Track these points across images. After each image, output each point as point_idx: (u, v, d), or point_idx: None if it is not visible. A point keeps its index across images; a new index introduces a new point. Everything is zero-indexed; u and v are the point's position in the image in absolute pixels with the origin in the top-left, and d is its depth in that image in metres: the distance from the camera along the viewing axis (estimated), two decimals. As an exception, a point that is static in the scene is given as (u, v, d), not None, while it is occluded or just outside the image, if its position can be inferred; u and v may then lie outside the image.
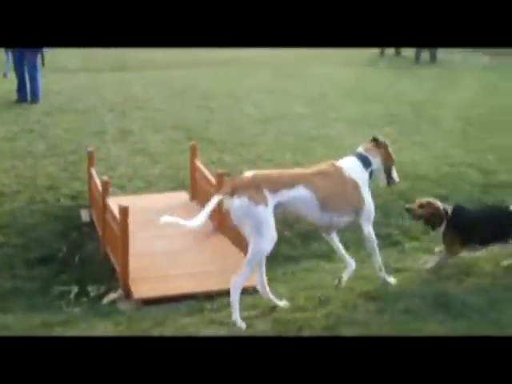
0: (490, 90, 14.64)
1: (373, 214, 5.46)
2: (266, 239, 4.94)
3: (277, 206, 5.01)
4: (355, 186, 5.26)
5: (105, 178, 7.10)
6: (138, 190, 8.45)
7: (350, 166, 5.31)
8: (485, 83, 15.60)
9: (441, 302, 5.06)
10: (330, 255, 6.94)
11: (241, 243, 6.57)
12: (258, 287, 5.33)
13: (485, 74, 16.95)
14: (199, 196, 7.85)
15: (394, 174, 5.55)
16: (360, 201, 5.29)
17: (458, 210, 5.69)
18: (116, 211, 6.21)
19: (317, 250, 7.09)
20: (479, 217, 5.76)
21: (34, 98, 12.61)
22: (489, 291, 5.18)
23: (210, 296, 5.73)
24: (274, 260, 6.88)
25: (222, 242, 6.93)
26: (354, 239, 7.13)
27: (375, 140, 5.47)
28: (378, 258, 5.53)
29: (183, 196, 8.17)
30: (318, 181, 5.14)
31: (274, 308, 5.24)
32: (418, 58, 18.92)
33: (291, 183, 5.07)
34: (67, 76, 16.07)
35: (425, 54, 18.87)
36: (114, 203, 6.50)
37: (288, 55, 18.71)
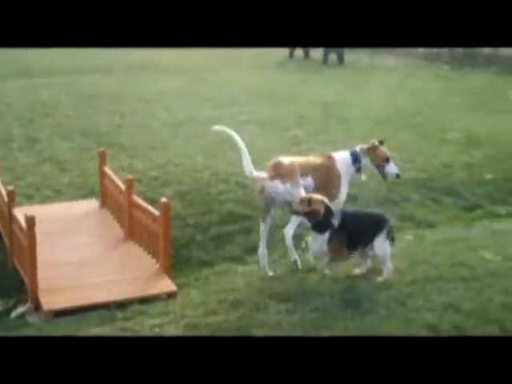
0: (395, 90, 15.06)
1: (341, 205, 6.18)
2: None
3: None
4: (339, 177, 6.22)
5: (11, 187, 6.92)
6: (46, 199, 8.28)
7: (342, 159, 6.28)
8: (390, 83, 16.03)
9: (349, 299, 5.18)
10: (242, 258, 7.03)
11: (152, 249, 6.56)
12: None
13: (390, 75, 17.41)
14: (110, 203, 7.77)
15: (388, 169, 6.34)
16: (337, 190, 6.18)
17: (344, 213, 5.56)
18: (23, 221, 6.07)
19: (229, 253, 7.13)
20: (361, 221, 5.61)
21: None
22: (394, 286, 5.33)
23: (121, 304, 5.68)
24: (187, 265, 6.96)
25: (134, 250, 6.88)
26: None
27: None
28: None
29: (93, 203, 8.08)
30: (318, 172, 6.10)
31: (185, 314, 5.24)
32: (326, 59, 19.25)
33: (306, 172, 5.99)
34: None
35: (332, 55, 19.22)
36: (22, 213, 6.35)
37: (198, 59, 18.72)
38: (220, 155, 9.60)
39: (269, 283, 5.80)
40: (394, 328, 4.61)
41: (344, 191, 6.27)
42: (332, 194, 6.07)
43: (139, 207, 6.79)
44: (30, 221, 5.85)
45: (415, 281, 5.42)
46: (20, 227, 6.22)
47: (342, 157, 6.32)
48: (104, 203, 7.91)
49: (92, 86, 15.28)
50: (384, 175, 6.44)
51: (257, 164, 9.03)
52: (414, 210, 7.95)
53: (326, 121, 11.97)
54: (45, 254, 6.21)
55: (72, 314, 5.66)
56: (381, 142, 6.44)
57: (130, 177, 7.20)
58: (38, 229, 5.96)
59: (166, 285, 6.09)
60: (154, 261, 6.48)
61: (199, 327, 4.95)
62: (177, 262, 6.85)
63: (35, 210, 6.80)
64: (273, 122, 11.77)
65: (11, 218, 6.62)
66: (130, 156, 9.75)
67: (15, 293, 6.56)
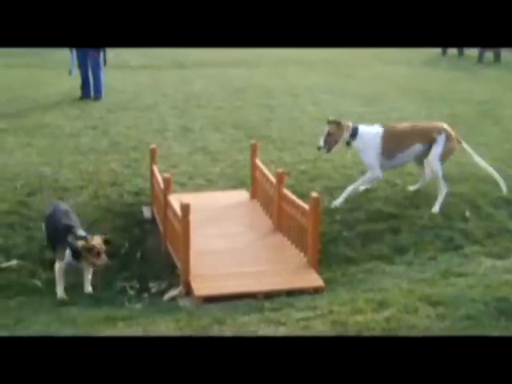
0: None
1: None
2: None
3: None
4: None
5: (167, 175, 7.18)
6: (198, 188, 8.52)
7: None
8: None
9: (503, 308, 4.98)
10: (390, 257, 6.92)
11: (300, 243, 6.60)
12: None
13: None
14: (259, 195, 7.89)
15: None
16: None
17: None
18: (178, 208, 6.28)
19: (376, 252, 7.03)
20: None
21: (97, 94, 12.89)
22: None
23: (269, 295, 5.77)
24: (334, 261, 6.92)
25: (282, 242, 6.95)
26: (413, 241, 7.11)
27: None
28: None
29: (244, 194, 8.23)
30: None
31: (332, 310, 5.23)
32: (481, 57, 18.58)
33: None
34: (129, 73, 16.34)
35: (489, 53, 18.52)
36: (176, 200, 6.57)
37: (345, 55, 18.60)
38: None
39: (418, 285, 5.68)
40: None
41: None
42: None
43: (289, 200, 6.84)
44: (186, 208, 6.04)
45: None
46: (174, 214, 6.44)
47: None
48: (254, 195, 8.04)
49: (242, 79, 15.59)
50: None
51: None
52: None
53: (480, 121, 11.54)
54: (197, 240, 6.38)
55: (221, 300, 5.80)
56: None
57: (280, 170, 7.27)
58: (191, 216, 6.14)
59: (314, 279, 6.11)
60: (301, 254, 6.52)
61: (346, 325, 4.93)
62: (323, 257, 6.84)
63: (188, 197, 6.99)
64: (425, 120, 11.47)
65: (166, 205, 6.86)
66: (279, 149, 9.85)
67: (167, 276, 6.83)
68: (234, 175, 8.90)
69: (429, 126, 8.11)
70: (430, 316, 4.93)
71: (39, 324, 5.49)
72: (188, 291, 6.06)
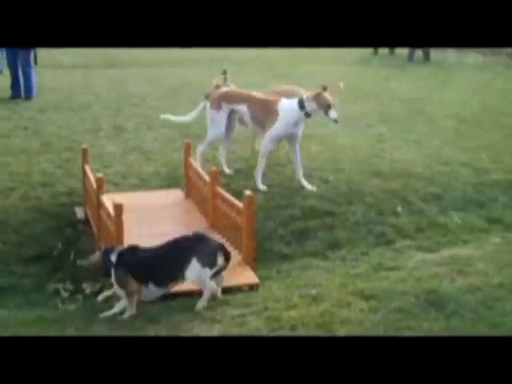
0: (482, 89, 14.72)
1: (275, 139, 8.02)
2: None
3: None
4: (275, 118, 7.86)
5: (100, 174, 7.10)
6: (132, 188, 8.45)
7: (285, 104, 7.89)
8: (478, 82, 15.68)
9: (433, 300, 5.11)
10: (324, 253, 7.00)
11: (235, 241, 6.62)
12: None
13: (478, 73, 17.03)
14: (194, 194, 7.88)
15: (330, 114, 7.82)
16: (270, 127, 7.91)
17: (124, 252, 5.61)
18: (111, 208, 6.22)
19: (311, 248, 7.11)
20: (150, 256, 5.59)
21: (28, 94, 12.63)
22: (481, 290, 5.22)
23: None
24: (269, 258, 6.97)
25: (217, 240, 6.94)
26: (346, 237, 7.22)
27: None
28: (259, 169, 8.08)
29: (178, 194, 8.20)
30: (255, 106, 8.12)
31: (267, 306, 5.27)
32: (411, 56, 18.98)
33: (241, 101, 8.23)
34: (61, 73, 16.08)
35: (418, 52, 18.94)
36: (109, 200, 6.50)
37: (277, 54, 18.72)
38: (303, 150, 9.56)
39: (351, 279, 5.78)
40: (480, 332, 4.52)
41: (277, 126, 7.87)
42: (266, 128, 7.97)
43: (223, 199, 6.85)
44: (118, 208, 5.98)
45: (503, 284, 5.30)
46: (108, 214, 6.37)
47: (286, 102, 7.87)
48: (188, 194, 8.02)
49: (175, 77, 15.51)
50: (330, 119, 7.84)
51: (339, 160, 9.07)
52: (501, 212, 7.72)
53: (410, 118, 11.80)
54: (130, 240, 6.29)
55: (156, 300, 5.75)
56: (324, 89, 7.72)
57: (214, 168, 7.27)
58: (124, 216, 6.08)
59: (249, 277, 6.13)
60: (236, 252, 6.52)
61: (280, 320, 4.97)
62: (258, 254, 6.86)
63: (122, 197, 6.92)
64: (356, 117, 11.67)
65: (99, 205, 6.78)
66: (214, 148, 9.81)
67: (101, 277, 6.72)
68: (168, 175, 8.85)
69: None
70: (363, 309, 5.02)
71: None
72: (122, 291, 5.99)
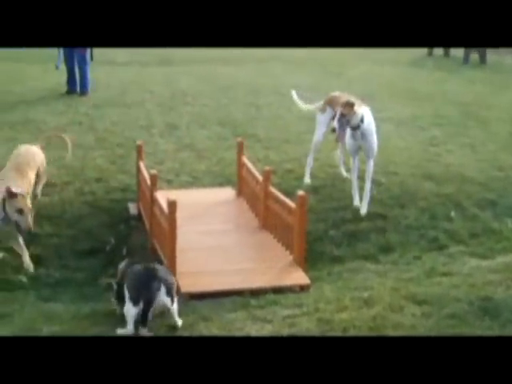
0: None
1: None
2: None
3: None
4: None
5: (154, 171, 7.17)
6: (184, 185, 8.52)
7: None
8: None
9: (487, 307, 5.03)
10: (375, 256, 6.95)
11: (286, 241, 6.62)
12: None
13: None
14: (246, 192, 7.90)
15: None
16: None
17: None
18: (164, 205, 6.27)
19: (362, 251, 7.07)
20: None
21: (84, 90, 12.83)
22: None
23: (255, 293, 5.78)
24: (319, 260, 6.95)
25: (268, 240, 6.96)
26: (398, 241, 7.16)
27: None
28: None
29: (230, 192, 8.24)
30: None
31: (318, 308, 5.26)
32: (467, 58, 18.69)
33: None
34: (116, 69, 16.27)
35: (474, 55, 18.64)
36: (162, 197, 6.57)
37: (334, 54, 18.62)
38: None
39: (403, 284, 5.72)
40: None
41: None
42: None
43: (275, 198, 6.86)
44: (172, 205, 6.04)
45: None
46: (161, 210, 6.44)
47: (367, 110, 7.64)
48: (240, 192, 8.05)
49: (229, 76, 15.58)
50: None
51: (392, 163, 9.00)
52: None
53: (465, 122, 11.61)
54: (183, 237, 6.38)
55: (207, 298, 5.80)
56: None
57: (267, 168, 7.28)
58: (177, 213, 6.13)
59: (300, 277, 6.13)
60: (287, 253, 6.53)
61: (332, 323, 4.96)
62: (309, 255, 6.86)
63: (175, 194, 6.97)
64: (410, 120, 11.56)
65: (153, 201, 6.85)
66: (266, 148, 9.86)
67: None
68: (220, 173, 8.90)
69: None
70: (416, 314, 4.98)
71: (24, 319, 5.47)
72: (174, 288, 6.05)
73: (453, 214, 7.61)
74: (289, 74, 16.33)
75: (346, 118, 7.35)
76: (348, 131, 7.63)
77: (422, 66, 18.30)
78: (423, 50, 20.05)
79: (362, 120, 7.43)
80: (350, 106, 7.34)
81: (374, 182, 8.32)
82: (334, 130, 7.43)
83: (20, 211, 6.55)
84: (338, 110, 7.40)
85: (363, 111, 7.50)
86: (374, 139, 7.72)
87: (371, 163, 7.73)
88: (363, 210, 7.53)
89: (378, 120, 9.68)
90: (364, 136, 7.58)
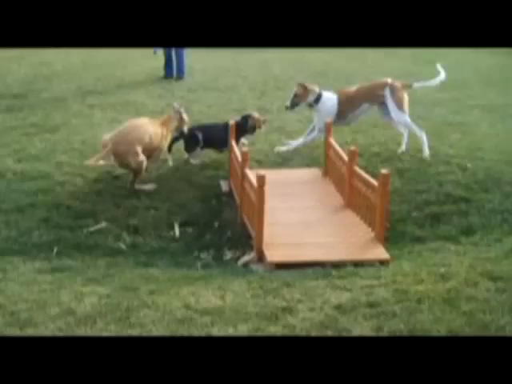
0: None
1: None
2: None
3: None
4: None
5: (245, 149, 7.56)
6: (274, 166, 8.88)
7: None
8: None
9: None
10: (456, 238, 7.12)
11: (369, 219, 6.90)
12: None
13: None
14: (332, 172, 8.20)
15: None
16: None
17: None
18: (254, 180, 6.64)
19: (444, 232, 7.25)
20: None
21: (180, 74, 13.39)
22: None
23: (336, 265, 6.10)
24: (402, 239, 7.19)
25: (351, 218, 7.25)
26: (480, 223, 7.30)
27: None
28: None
29: (317, 172, 8.55)
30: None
31: (395, 280, 5.53)
32: None
33: None
34: (211, 55, 16.77)
35: None
36: (252, 175, 6.94)
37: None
38: (443, 137, 9.67)
39: (481, 262, 5.90)
40: None
41: None
42: None
43: (360, 177, 7.13)
44: (261, 179, 6.42)
45: None
46: (251, 185, 6.82)
47: None
48: (327, 172, 8.36)
49: (318, 62, 15.82)
50: None
51: (480, 149, 9.07)
52: None
53: (558, 110, 11.47)
54: (271, 213, 6.75)
55: (291, 267, 6.17)
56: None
57: (353, 148, 7.55)
58: (266, 190, 6.51)
59: (380, 252, 6.40)
60: (369, 229, 6.81)
61: (407, 293, 5.22)
62: (392, 235, 7.13)
63: (265, 173, 7.33)
64: (501, 108, 11.52)
65: (243, 177, 7.24)
66: (353, 131, 10.08)
67: (242, 246, 7.25)
68: (308, 154, 9.20)
69: (373, 84, 9.27)
70: (490, 289, 5.17)
71: (124, 279, 6.00)
72: (260, 258, 6.46)
73: (537, 199, 7.67)
74: (380, 60, 16.42)
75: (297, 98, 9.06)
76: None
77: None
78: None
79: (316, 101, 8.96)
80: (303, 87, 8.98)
81: (459, 166, 8.46)
82: (286, 108, 9.30)
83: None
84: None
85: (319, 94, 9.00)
86: (323, 119, 8.79)
87: (314, 133, 9.15)
88: None
89: (467, 107, 9.82)
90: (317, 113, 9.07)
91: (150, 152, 8.20)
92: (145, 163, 8.03)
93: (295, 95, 9.06)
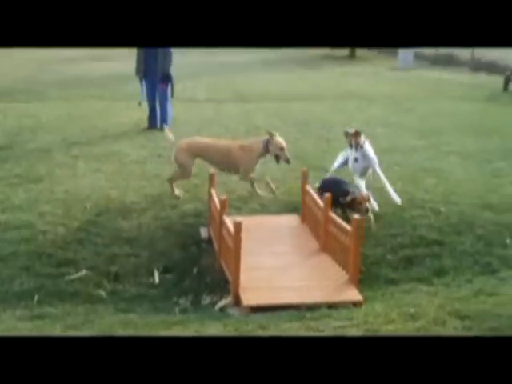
0: None
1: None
2: None
3: None
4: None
5: (224, 196, 7.75)
6: (252, 212, 9.07)
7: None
8: None
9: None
10: (429, 279, 7.31)
11: (343, 262, 7.08)
12: None
13: None
14: (309, 218, 8.40)
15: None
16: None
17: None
18: (231, 227, 6.84)
19: (417, 274, 7.45)
20: None
21: (163, 124, 13.65)
22: None
23: (311, 307, 6.25)
24: (375, 281, 7.37)
25: (326, 261, 7.43)
26: (452, 265, 7.49)
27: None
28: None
29: (294, 218, 8.75)
30: None
31: (367, 320, 5.69)
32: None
33: None
34: (195, 106, 17.13)
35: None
36: (230, 221, 7.13)
37: (405, 89, 18.99)
38: (419, 182, 9.92)
39: (451, 302, 6.08)
40: None
41: None
42: None
43: (334, 223, 7.34)
44: (238, 225, 6.61)
45: None
46: (228, 232, 7.01)
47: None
48: (304, 218, 8.56)
49: (302, 112, 16.17)
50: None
51: (454, 193, 9.32)
52: None
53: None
54: (248, 258, 6.93)
55: (267, 310, 6.31)
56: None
57: (328, 195, 7.77)
58: (243, 235, 6.69)
59: (353, 294, 6.57)
60: (343, 272, 6.99)
61: (378, 333, 5.37)
62: (366, 277, 7.32)
63: (243, 219, 7.52)
64: (476, 153, 11.83)
65: (221, 224, 7.43)
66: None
67: (220, 290, 7.39)
68: (287, 201, 9.41)
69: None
70: (457, 328, 5.33)
71: (103, 325, 6.12)
72: (237, 301, 6.61)
73: (508, 241, 7.88)
74: (361, 109, 16.82)
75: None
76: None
77: (496, 102, 18.46)
78: (499, 87, 20.24)
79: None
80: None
81: (433, 210, 8.69)
82: None
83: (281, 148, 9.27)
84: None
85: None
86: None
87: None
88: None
89: (443, 153, 10.10)
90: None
91: None
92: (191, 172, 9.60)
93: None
